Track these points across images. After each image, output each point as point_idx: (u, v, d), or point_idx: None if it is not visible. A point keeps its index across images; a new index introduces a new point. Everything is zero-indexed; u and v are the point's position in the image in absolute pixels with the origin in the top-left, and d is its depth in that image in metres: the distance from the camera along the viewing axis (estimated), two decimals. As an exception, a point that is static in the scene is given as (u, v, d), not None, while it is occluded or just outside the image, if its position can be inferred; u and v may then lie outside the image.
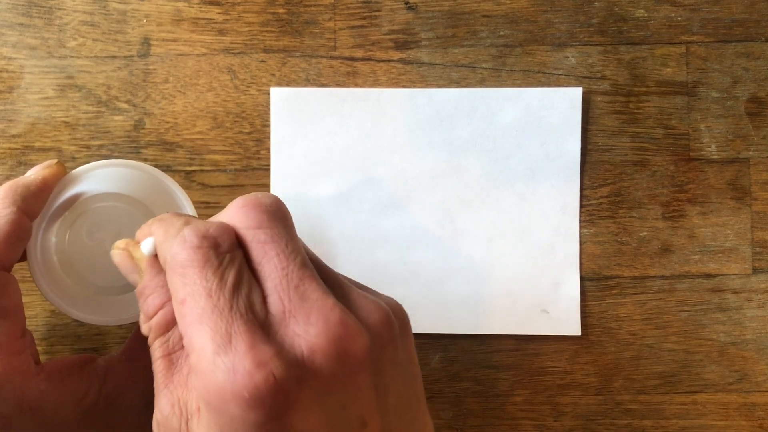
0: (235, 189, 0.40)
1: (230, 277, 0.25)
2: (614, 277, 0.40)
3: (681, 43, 0.41)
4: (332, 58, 0.41)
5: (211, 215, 0.28)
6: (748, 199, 0.41)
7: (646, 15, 0.41)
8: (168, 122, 0.40)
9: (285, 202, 0.27)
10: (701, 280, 0.40)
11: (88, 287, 0.35)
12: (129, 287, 0.35)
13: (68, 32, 0.40)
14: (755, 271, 0.40)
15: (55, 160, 0.33)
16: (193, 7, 0.40)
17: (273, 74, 0.40)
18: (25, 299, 0.36)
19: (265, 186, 0.40)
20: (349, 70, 0.41)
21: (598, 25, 0.41)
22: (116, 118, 0.40)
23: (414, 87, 0.40)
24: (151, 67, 0.40)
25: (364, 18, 0.41)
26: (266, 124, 0.40)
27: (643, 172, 0.41)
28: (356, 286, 0.27)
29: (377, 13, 0.41)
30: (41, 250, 0.34)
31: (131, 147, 0.40)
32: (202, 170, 0.40)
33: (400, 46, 0.41)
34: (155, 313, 0.27)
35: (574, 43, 0.41)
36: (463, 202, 0.40)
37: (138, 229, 0.29)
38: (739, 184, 0.41)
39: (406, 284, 0.40)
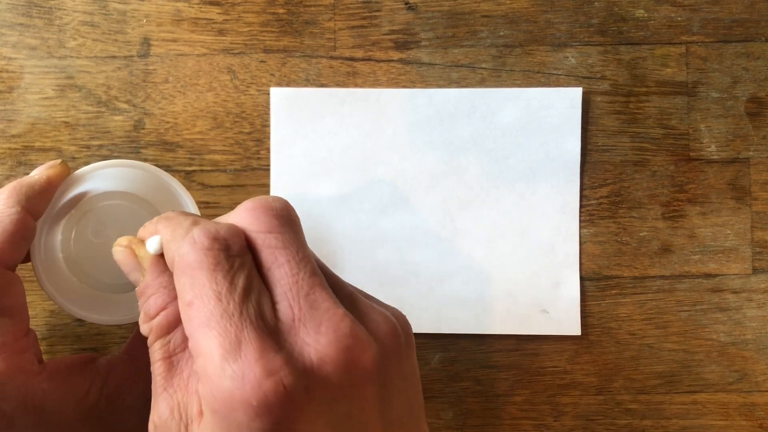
0: (235, 189, 0.40)
1: (240, 281, 0.24)
2: (614, 277, 0.40)
3: (681, 43, 0.41)
4: (332, 58, 0.41)
5: (211, 215, 0.28)
6: (748, 199, 0.41)
7: (646, 15, 0.41)
8: (168, 122, 0.40)
9: None
10: (701, 280, 0.40)
11: (94, 285, 0.36)
12: (130, 285, 0.35)
13: (68, 32, 0.40)
14: (755, 271, 0.40)
15: (59, 160, 0.33)
16: (193, 7, 0.40)
17: (273, 74, 0.40)
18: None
19: (265, 186, 0.40)
20: (349, 71, 0.41)
21: (598, 25, 0.41)
22: (116, 118, 0.40)
23: (414, 87, 0.40)
24: (151, 67, 0.40)
25: (364, 18, 0.41)
26: (266, 124, 0.40)
27: (643, 172, 0.41)
28: (362, 296, 0.27)
29: (377, 13, 0.41)
30: (45, 249, 0.34)
31: (131, 147, 0.40)
32: (202, 170, 0.40)
33: (400, 46, 0.41)
34: (156, 314, 0.27)
35: (574, 43, 0.41)
36: (463, 202, 0.40)
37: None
38: (739, 184, 0.41)
39: (406, 284, 0.40)
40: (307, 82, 0.41)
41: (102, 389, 0.32)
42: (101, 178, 0.34)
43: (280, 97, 0.40)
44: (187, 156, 0.40)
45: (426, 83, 0.41)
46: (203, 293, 0.24)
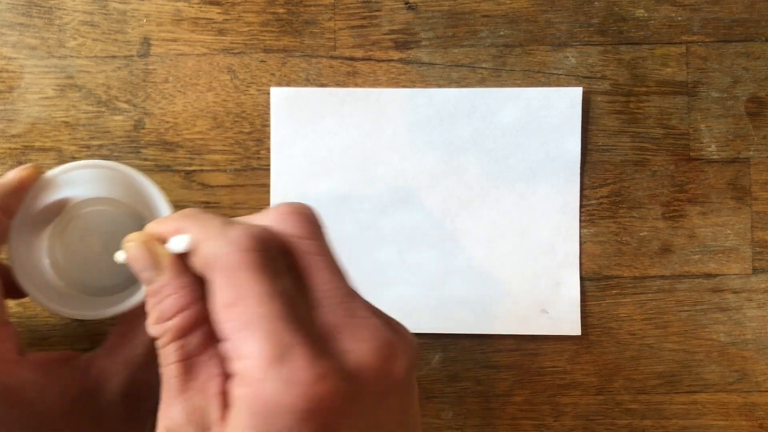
0: (235, 189, 0.40)
1: (283, 284, 0.24)
2: (614, 277, 0.40)
3: (681, 43, 0.41)
4: (332, 58, 0.41)
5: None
6: (748, 199, 0.41)
7: (646, 15, 0.41)
8: (168, 122, 0.40)
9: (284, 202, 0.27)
10: (701, 280, 0.40)
11: (79, 288, 0.37)
12: (117, 287, 0.36)
13: (68, 32, 0.40)
14: (755, 271, 0.40)
15: (30, 164, 0.34)
16: (193, 7, 0.40)
17: (273, 74, 0.40)
18: (25, 299, 0.36)
19: (265, 186, 0.40)
20: (349, 70, 0.40)
21: (598, 25, 0.41)
22: (116, 118, 0.40)
23: (414, 87, 0.40)
24: (151, 67, 0.40)
25: (364, 18, 0.41)
26: (266, 124, 0.40)
27: (643, 172, 0.41)
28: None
29: (377, 13, 0.41)
30: (29, 254, 0.35)
31: (131, 147, 0.40)
32: (202, 170, 0.40)
33: (400, 46, 0.41)
34: (174, 315, 0.25)
35: (574, 43, 0.41)
36: (463, 202, 0.40)
37: (130, 230, 0.28)
38: (739, 184, 0.40)
39: (406, 284, 0.40)
40: (307, 82, 0.40)
41: (82, 384, 0.33)
42: (80, 182, 0.35)
43: (280, 96, 0.40)
44: (187, 156, 0.40)
45: (426, 83, 0.41)
46: (246, 294, 0.24)
